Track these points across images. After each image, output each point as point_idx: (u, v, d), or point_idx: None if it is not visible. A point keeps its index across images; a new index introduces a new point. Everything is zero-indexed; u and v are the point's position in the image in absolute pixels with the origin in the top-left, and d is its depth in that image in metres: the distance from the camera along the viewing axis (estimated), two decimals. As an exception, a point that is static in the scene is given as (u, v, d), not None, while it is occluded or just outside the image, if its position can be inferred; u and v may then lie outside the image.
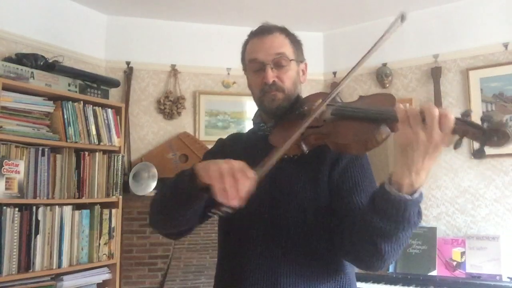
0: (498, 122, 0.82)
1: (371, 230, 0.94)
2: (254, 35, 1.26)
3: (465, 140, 0.87)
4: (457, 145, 0.86)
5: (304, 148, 1.08)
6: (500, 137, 0.81)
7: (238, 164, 0.94)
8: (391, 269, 2.83)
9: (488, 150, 0.84)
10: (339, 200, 1.12)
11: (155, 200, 1.21)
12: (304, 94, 1.29)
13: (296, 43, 1.28)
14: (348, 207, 1.09)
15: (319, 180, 1.15)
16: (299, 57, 1.27)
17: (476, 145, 0.85)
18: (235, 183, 0.91)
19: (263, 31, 1.25)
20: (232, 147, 1.32)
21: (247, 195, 0.92)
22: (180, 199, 1.07)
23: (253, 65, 1.23)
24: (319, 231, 1.13)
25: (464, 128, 0.85)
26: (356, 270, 1.21)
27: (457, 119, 0.85)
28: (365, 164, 1.19)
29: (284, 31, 1.26)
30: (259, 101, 1.25)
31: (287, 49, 1.23)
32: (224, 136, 1.40)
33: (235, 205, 0.92)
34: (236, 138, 1.38)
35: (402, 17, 1.06)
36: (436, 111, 0.84)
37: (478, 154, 0.84)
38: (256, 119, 1.34)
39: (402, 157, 0.88)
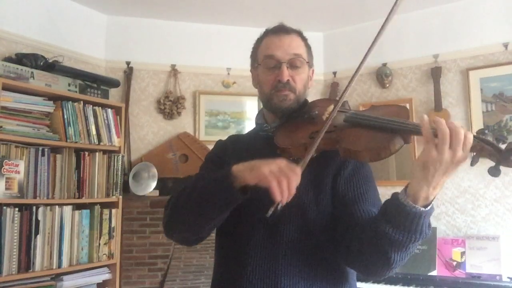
0: None
1: (383, 240, 0.95)
2: (272, 32, 1.27)
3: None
4: (473, 162, 0.89)
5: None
6: None
7: (283, 162, 0.97)
8: (391, 269, 2.83)
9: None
10: (344, 208, 1.13)
11: (177, 207, 1.15)
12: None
13: (309, 48, 1.30)
14: (354, 216, 1.09)
15: (322, 183, 1.15)
16: (311, 62, 1.29)
17: (491, 163, 0.88)
18: (287, 181, 0.94)
19: (281, 30, 1.26)
20: (233, 148, 1.31)
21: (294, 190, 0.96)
22: (216, 203, 1.05)
23: (269, 61, 1.23)
24: (319, 232, 1.13)
25: (481, 146, 0.88)
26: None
27: (475, 137, 0.87)
28: (369, 173, 1.20)
29: (300, 34, 1.28)
30: (267, 98, 1.25)
31: (303, 52, 1.26)
32: (224, 137, 1.40)
33: (286, 201, 0.96)
34: (236, 139, 1.38)
35: None
36: (461, 131, 0.85)
37: (493, 172, 0.87)
38: (259, 119, 1.34)
39: (422, 172, 0.89)
